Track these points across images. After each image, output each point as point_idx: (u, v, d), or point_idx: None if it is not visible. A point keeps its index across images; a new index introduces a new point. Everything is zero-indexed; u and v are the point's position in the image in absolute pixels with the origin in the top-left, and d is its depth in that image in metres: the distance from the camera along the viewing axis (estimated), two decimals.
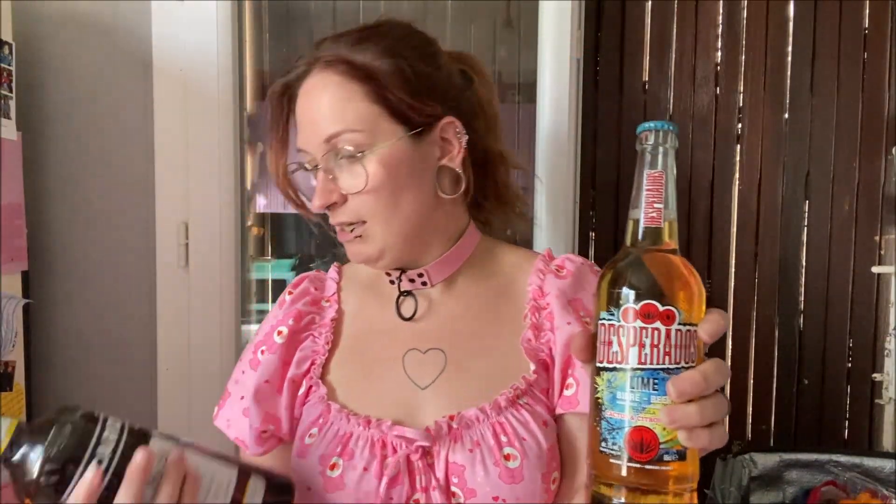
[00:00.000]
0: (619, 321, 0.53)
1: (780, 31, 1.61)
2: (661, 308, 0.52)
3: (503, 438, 0.72)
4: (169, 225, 1.53)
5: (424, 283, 0.82)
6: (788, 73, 1.62)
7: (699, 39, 1.63)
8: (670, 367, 0.52)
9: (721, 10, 1.63)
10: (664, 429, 0.51)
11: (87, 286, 1.55)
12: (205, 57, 1.52)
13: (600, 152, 1.66)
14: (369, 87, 0.75)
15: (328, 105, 0.75)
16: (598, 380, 0.54)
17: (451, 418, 0.73)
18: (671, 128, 0.55)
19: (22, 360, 1.41)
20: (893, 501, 1.31)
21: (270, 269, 1.82)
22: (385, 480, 0.71)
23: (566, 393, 0.76)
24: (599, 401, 0.54)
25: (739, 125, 1.64)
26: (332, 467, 0.73)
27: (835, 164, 1.61)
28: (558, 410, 0.76)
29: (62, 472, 0.54)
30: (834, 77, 1.59)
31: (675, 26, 1.63)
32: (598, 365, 0.54)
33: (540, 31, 1.56)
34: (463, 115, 0.81)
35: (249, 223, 1.69)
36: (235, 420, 0.85)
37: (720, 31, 1.63)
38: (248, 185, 1.67)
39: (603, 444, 0.53)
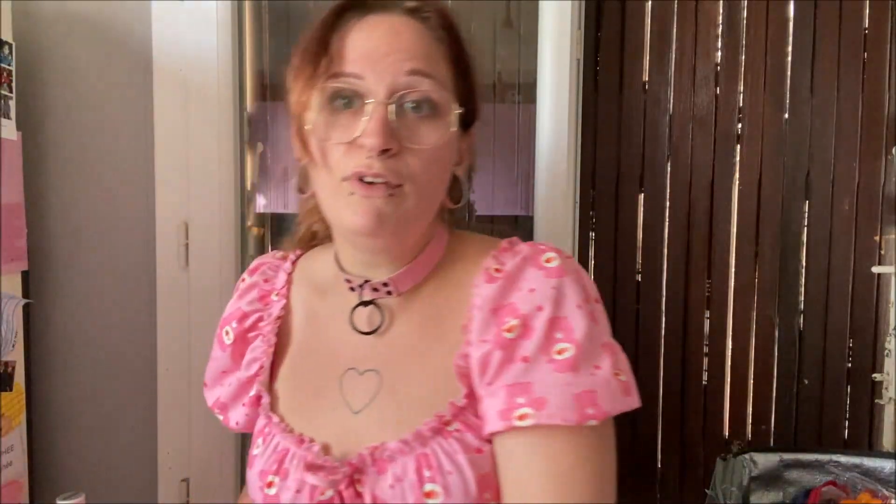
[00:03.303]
0: None
1: (780, 31, 1.61)
2: None
3: (426, 473, 0.64)
4: (169, 225, 1.53)
5: (389, 293, 0.73)
6: (788, 73, 1.62)
7: (699, 39, 1.63)
8: None
9: (721, 10, 1.63)
10: None
11: (87, 286, 1.55)
12: (205, 57, 1.52)
13: (600, 152, 1.66)
14: (455, 59, 0.69)
15: (420, 48, 0.67)
16: None
17: (374, 449, 0.67)
18: None
19: (22, 360, 1.41)
20: (893, 501, 1.31)
21: None
22: None
23: (516, 418, 0.65)
24: None
25: (739, 125, 1.64)
26: (269, 485, 0.69)
27: (835, 164, 1.61)
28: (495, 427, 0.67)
29: None
30: (834, 77, 1.59)
31: (675, 26, 1.63)
32: None
33: (540, 31, 1.56)
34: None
35: (249, 223, 1.69)
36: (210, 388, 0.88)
37: (720, 31, 1.63)
38: (248, 185, 1.67)
39: None
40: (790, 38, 1.61)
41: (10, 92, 1.37)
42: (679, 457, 1.68)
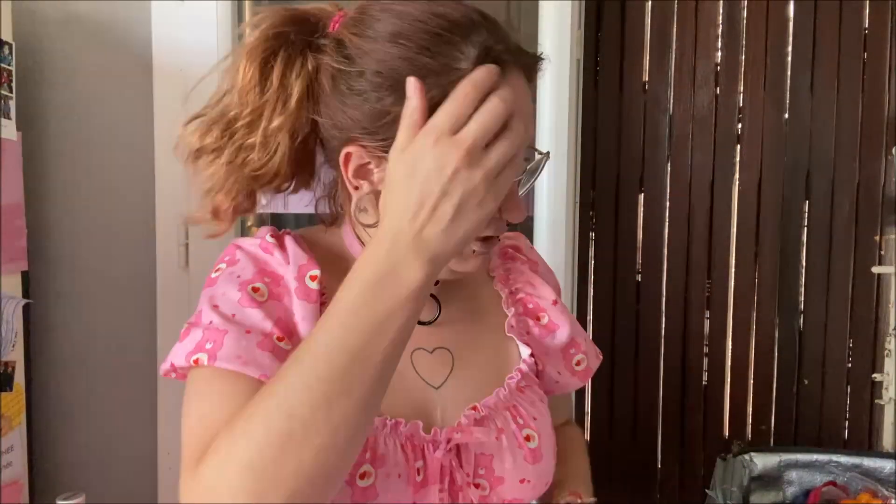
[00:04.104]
0: None
1: (780, 31, 1.62)
2: None
3: (520, 420, 0.74)
4: (169, 225, 1.53)
5: (436, 283, 0.75)
6: (788, 73, 1.62)
7: (699, 39, 1.63)
8: None
9: (721, 10, 1.63)
10: None
11: (87, 286, 1.55)
12: (205, 57, 1.52)
13: (600, 152, 1.66)
14: None
15: (532, 114, 0.72)
16: None
17: (475, 409, 0.72)
18: None
19: (22, 360, 1.41)
20: (893, 501, 1.31)
21: None
22: (420, 485, 0.68)
23: (579, 368, 0.84)
24: None
25: (739, 125, 1.64)
26: (363, 476, 0.66)
27: (835, 164, 1.61)
28: (576, 385, 0.84)
29: None
30: (834, 77, 1.59)
31: (675, 26, 1.64)
32: None
33: (540, 31, 1.56)
34: None
35: (249, 223, 1.69)
36: (254, 355, 0.64)
37: (720, 31, 1.63)
38: None
39: None
40: (790, 38, 1.62)
41: (10, 92, 1.37)
42: (679, 457, 1.69)
